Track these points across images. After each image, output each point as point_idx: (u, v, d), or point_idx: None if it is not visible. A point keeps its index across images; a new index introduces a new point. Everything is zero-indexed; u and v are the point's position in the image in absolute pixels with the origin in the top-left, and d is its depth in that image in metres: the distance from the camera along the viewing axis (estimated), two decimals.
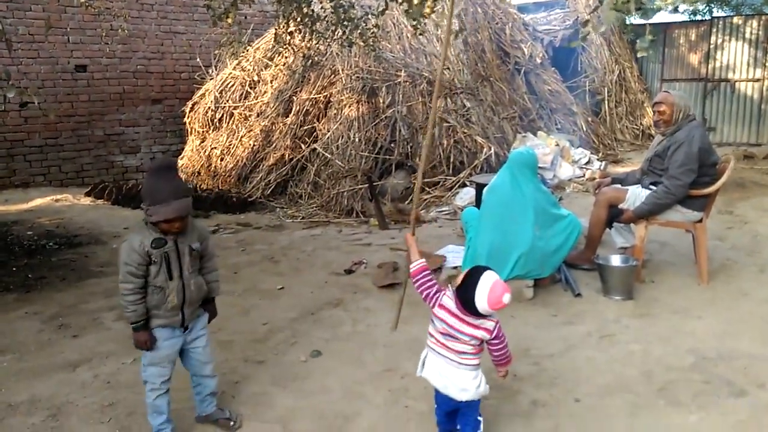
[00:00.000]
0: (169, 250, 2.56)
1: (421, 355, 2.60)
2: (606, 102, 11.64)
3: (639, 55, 11.49)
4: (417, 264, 2.64)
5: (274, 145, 8.94)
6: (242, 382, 3.30)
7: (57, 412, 3.03)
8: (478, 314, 2.40)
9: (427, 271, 2.61)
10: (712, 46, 11.47)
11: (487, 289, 2.36)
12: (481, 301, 2.36)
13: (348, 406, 3.05)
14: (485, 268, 2.43)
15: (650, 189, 4.58)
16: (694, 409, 2.94)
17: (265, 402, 3.10)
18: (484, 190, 4.77)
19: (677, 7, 10.54)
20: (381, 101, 8.42)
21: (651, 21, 11.61)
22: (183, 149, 10.37)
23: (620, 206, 4.67)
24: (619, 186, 4.86)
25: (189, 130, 10.28)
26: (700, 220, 4.55)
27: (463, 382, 2.45)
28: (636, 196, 4.63)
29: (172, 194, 2.49)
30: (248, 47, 9.99)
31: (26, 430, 2.87)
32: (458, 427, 2.58)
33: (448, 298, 2.49)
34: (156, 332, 2.63)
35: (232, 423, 2.87)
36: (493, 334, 2.43)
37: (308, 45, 8.62)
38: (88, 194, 8.98)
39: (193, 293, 2.67)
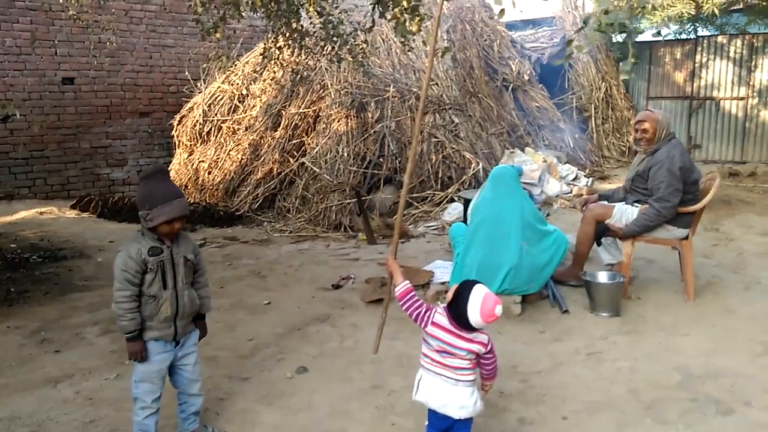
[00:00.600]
0: (165, 259, 2.58)
1: (415, 378, 2.55)
2: (593, 119, 11.74)
3: (621, 78, 11.65)
4: (402, 286, 2.61)
5: (262, 158, 8.93)
6: (227, 399, 3.26)
7: (37, 429, 2.97)
8: (471, 328, 2.39)
9: (413, 293, 2.59)
10: (697, 65, 11.63)
11: (479, 302, 2.35)
12: (474, 314, 2.35)
13: (334, 424, 3.01)
14: (474, 282, 2.43)
15: (636, 206, 4.61)
16: (681, 427, 2.93)
17: (250, 419, 3.06)
18: (469, 207, 4.78)
19: (659, 32, 10.66)
20: (370, 116, 8.44)
21: (637, 40, 11.76)
22: (170, 162, 10.32)
23: (607, 222, 4.69)
24: (605, 202, 4.89)
25: (177, 143, 10.25)
26: (686, 237, 4.58)
27: (462, 400, 2.42)
28: (622, 212, 4.65)
29: (171, 194, 2.56)
30: (237, 61, 10.00)
31: None
32: None
33: (441, 315, 2.47)
34: (149, 345, 2.61)
35: None
36: (488, 348, 2.44)
37: (297, 60, 8.64)
38: (73, 207, 8.91)
39: (186, 305, 2.67)
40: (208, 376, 3.43)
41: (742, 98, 11.20)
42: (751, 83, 11.09)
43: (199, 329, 2.86)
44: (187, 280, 2.68)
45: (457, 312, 2.39)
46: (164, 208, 2.51)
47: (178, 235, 2.66)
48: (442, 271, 5.05)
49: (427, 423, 2.57)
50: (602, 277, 4.48)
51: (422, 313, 2.50)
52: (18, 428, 2.98)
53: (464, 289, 2.41)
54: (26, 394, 3.32)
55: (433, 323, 2.46)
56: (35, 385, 3.42)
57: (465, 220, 5.54)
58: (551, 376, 3.48)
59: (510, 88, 10.73)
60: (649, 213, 4.45)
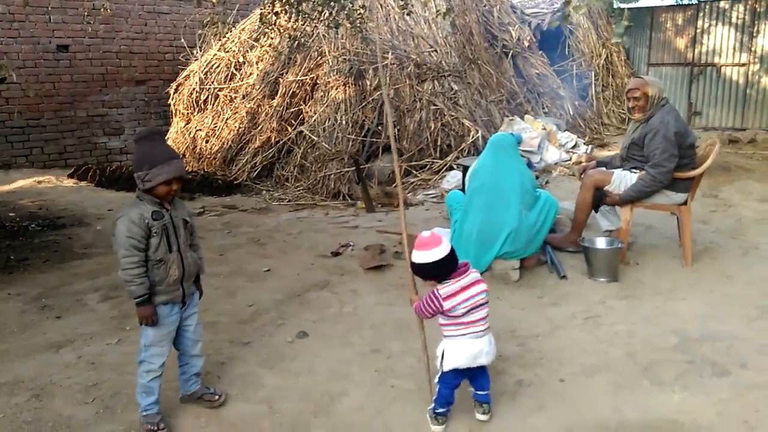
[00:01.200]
0: (167, 222, 2.59)
1: (435, 353, 2.67)
2: (593, 86, 11.65)
3: (614, 40, 11.48)
4: (416, 301, 2.73)
5: (259, 127, 8.87)
6: (228, 363, 3.29)
7: (40, 392, 3.00)
8: (451, 270, 2.57)
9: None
10: (698, 31, 11.49)
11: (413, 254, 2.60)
12: (414, 257, 2.59)
13: (335, 386, 3.05)
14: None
15: (634, 172, 4.60)
16: (677, 388, 2.97)
17: (251, 382, 3.09)
18: (467, 173, 4.78)
19: None
20: (368, 84, 8.36)
21: (638, 5, 11.61)
22: (168, 131, 10.25)
23: (606, 188, 4.69)
24: (604, 169, 4.87)
25: (174, 111, 10.17)
26: (685, 203, 4.58)
27: (488, 345, 2.63)
28: (621, 178, 4.64)
29: (169, 155, 2.57)
30: (233, 28, 9.88)
31: (9, 410, 2.84)
32: (475, 390, 2.71)
33: (444, 287, 2.56)
34: (158, 309, 2.63)
35: (216, 397, 2.87)
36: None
37: (294, 26, 8.53)
38: (71, 176, 8.88)
39: (191, 266, 2.71)
40: (209, 340, 3.46)
41: (744, 64, 11.10)
42: (752, 49, 10.98)
43: (198, 290, 2.89)
44: (187, 242, 2.71)
45: (419, 271, 2.61)
46: (162, 168, 2.51)
47: (174, 198, 2.66)
48: None
49: (439, 387, 2.66)
50: (600, 242, 4.49)
51: (432, 304, 2.59)
52: (21, 392, 3.01)
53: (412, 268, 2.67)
54: (28, 359, 3.35)
55: (444, 298, 2.55)
56: (37, 350, 3.45)
57: (464, 188, 5.53)
58: (549, 340, 3.51)
59: (510, 54, 10.61)
60: (645, 179, 4.44)
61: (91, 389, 3.03)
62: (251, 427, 2.74)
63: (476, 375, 2.68)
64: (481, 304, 2.59)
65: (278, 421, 2.78)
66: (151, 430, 2.63)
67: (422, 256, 2.56)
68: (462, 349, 2.59)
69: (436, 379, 2.68)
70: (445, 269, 2.56)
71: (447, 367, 2.60)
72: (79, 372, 3.20)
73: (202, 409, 2.85)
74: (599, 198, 4.71)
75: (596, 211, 4.86)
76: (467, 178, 4.71)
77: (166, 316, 2.65)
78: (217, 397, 2.87)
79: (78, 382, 3.10)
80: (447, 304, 2.55)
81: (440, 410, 2.67)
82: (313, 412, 2.84)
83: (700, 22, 11.46)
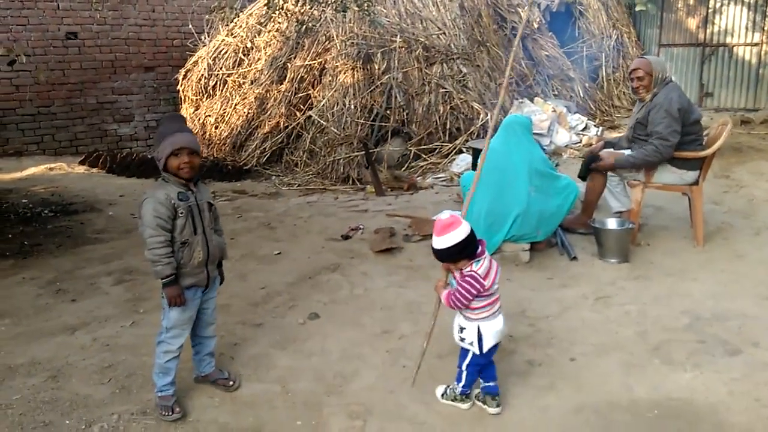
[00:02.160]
0: (192, 204, 2.61)
1: (464, 336, 2.61)
2: (603, 68, 11.54)
3: (638, 9, 11.29)
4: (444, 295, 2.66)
5: (268, 112, 8.86)
6: (241, 344, 3.32)
7: (57, 373, 3.05)
8: (471, 251, 2.51)
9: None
10: (710, 10, 11.35)
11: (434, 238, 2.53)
12: (435, 243, 2.52)
13: (347, 366, 3.07)
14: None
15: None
16: (688, 367, 2.97)
17: (264, 363, 3.12)
18: (480, 155, 4.75)
19: None
20: (376, 67, 8.33)
21: None
22: None
23: (600, 153, 4.66)
24: (612, 150, 4.85)
25: (182, 98, 10.18)
26: (696, 183, 4.55)
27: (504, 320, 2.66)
28: None
29: (176, 129, 2.61)
30: (241, 13, 9.85)
31: (27, 391, 2.89)
32: (485, 381, 2.71)
33: (480, 267, 2.51)
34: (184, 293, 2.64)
35: (231, 383, 2.89)
36: None
37: (302, 10, 8.50)
38: (82, 163, 8.92)
39: (215, 249, 2.73)
40: (222, 322, 3.48)
41: (756, 44, 10.96)
42: (765, 29, 10.83)
43: (220, 275, 2.90)
44: (212, 225, 2.73)
45: (455, 255, 2.51)
46: (167, 140, 2.54)
47: (198, 181, 2.68)
48: None
49: (468, 371, 2.64)
50: (611, 223, 4.48)
51: (473, 287, 2.49)
52: (38, 373, 3.06)
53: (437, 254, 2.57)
54: (45, 341, 3.40)
55: (484, 277, 2.50)
56: (53, 333, 3.50)
57: (474, 168, 5.52)
58: (559, 321, 3.52)
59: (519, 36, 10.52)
60: (647, 148, 4.42)
61: (106, 370, 3.07)
62: (264, 406, 2.77)
63: (488, 362, 2.67)
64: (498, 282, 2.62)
65: (291, 400, 2.81)
66: (166, 409, 2.67)
67: (447, 239, 2.47)
68: (495, 327, 2.58)
69: (464, 366, 2.63)
70: (471, 247, 2.49)
71: (488, 346, 2.57)
72: (94, 353, 3.24)
73: (216, 389, 2.88)
74: (590, 161, 4.69)
75: (584, 180, 4.82)
76: (479, 159, 4.69)
77: (190, 300, 2.67)
78: (231, 382, 2.90)
79: (93, 363, 3.14)
80: (486, 283, 2.50)
81: (467, 390, 2.69)
82: (326, 391, 2.87)
83: (711, 2, 11.31)
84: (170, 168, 2.58)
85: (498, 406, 2.68)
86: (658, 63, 4.50)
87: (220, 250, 2.79)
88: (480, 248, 2.53)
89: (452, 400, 2.71)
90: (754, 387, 2.78)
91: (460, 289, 2.52)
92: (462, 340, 2.62)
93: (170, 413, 2.66)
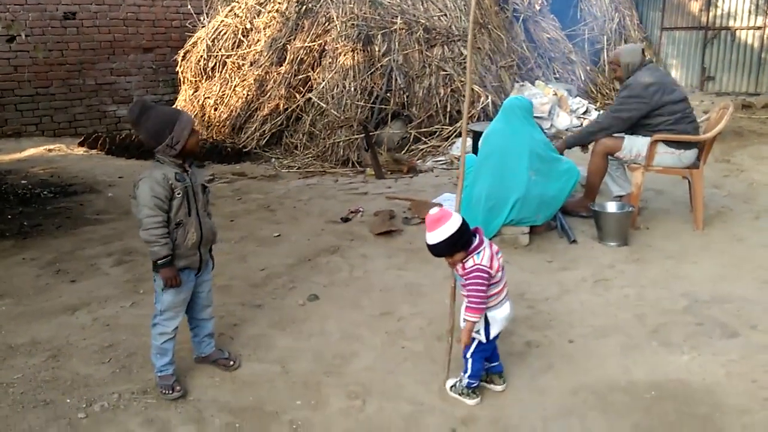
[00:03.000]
0: (188, 185, 2.61)
1: (496, 327, 2.58)
2: (605, 51, 11.45)
3: None
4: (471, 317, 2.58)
5: (268, 94, 8.81)
6: (241, 325, 3.33)
7: (57, 353, 3.06)
8: (465, 243, 2.47)
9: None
10: None
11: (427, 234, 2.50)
12: (427, 239, 2.49)
13: (346, 347, 3.09)
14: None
15: (646, 136, 4.55)
16: (686, 349, 2.99)
17: (264, 343, 3.14)
18: (480, 138, 4.75)
19: None
20: (376, 49, 8.27)
21: None
22: (176, 99, 10.22)
23: (617, 154, 4.67)
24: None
25: (182, 79, 10.12)
26: (697, 165, 4.55)
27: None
28: (632, 144, 4.60)
29: (176, 110, 2.65)
30: None
31: (27, 370, 2.91)
32: (490, 362, 2.72)
33: (481, 258, 2.47)
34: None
35: (231, 363, 2.91)
36: None
37: None
38: (81, 144, 8.90)
39: (208, 232, 2.73)
40: (221, 303, 3.50)
41: (759, 28, 10.87)
42: None
43: (211, 259, 2.90)
44: (205, 207, 2.72)
45: (434, 250, 2.49)
46: (182, 121, 2.54)
47: (192, 164, 2.67)
48: (450, 204, 5.05)
49: (473, 361, 2.60)
50: (610, 206, 4.48)
51: (483, 279, 2.45)
52: (39, 353, 3.07)
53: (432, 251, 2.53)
54: (45, 321, 3.41)
55: (489, 266, 2.47)
56: (53, 313, 3.51)
57: (474, 152, 5.51)
58: (558, 303, 3.53)
59: (521, 18, 10.44)
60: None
61: (107, 350, 3.09)
62: (264, 385, 2.78)
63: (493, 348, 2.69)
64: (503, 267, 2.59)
65: (291, 380, 2.83)
66: (166, 388, 2.69)
67: (439, 234, 2.43)
68: (502, 313, 2.57)
69: (469, 354, 2.60)
70: (464, 238, 2.45)
71: (494, 333, 2.58)
72: (94, 333, 3.26)
73: (217, 369, 2.90)
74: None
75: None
76: (480, 142, 4.68)
77: (184, 282, 2.66)
78: (232, 362, 2.91)
79: (94, 343, 3.16)
80: (492, 271, 2.48)
81: (474, 384, 2.64)
82: (325, 372, 2.89)
83: None
84: (189, 147, 2.58)
85: (504, 383, 2.72)
86: (628, 52, 4.62)
87: (212, 233, 2.78)
88: (477, 238, 2.50)
89: (459, 395, 2.66)
90: (751, 369, 2.80)
91: (470, 288, 2.48)
92: None
93: (171, 392, 2.68)
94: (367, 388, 2.75)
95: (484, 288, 2.46)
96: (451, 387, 2.70)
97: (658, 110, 4.45)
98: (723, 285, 3.66)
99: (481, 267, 2.45)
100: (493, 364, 2.72)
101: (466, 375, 2.63)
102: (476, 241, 2.49)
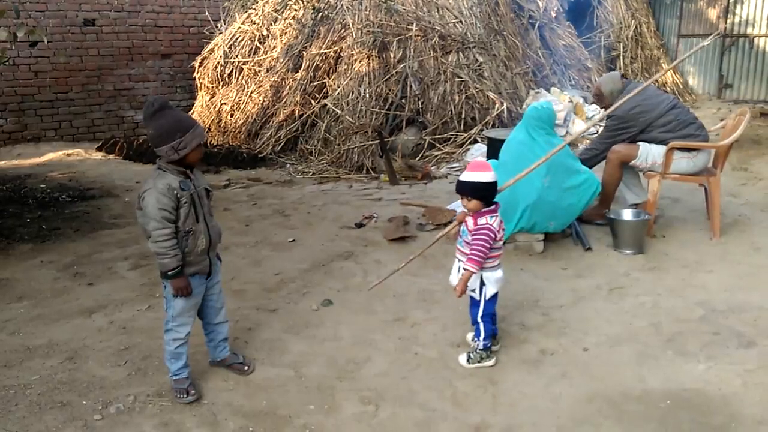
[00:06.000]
0: (193, 192, 2.59)
1: (491, 287, 2.88)
2: (621, 58, 11.40)
3: None
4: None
5: (284, 101, 8.87)
6: (255, 329, 3.35)
7: (74, 355, 3.10)
8: (491, 196, 2.86)
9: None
10: (731, 0, 11.17)
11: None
12: (470, 176, 2.83)
13: (359, 352, 3.10)
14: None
15: (662, 145, 4.53)
16: (702, 358, 2.96)
17: (277, 348, 3.15)
18: (503, 146, 4.72)
19: None
20: (392, 56, 8.30)
21: None
22: (193, 105, 10.32)
23: (632, 163, 4.65)
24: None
25: (199, 85, 10.22)
26: (713, 172, 4.51)
27: None
28: (648, 151, 4.58)
29: (193, 120, 2.62)
30: (257, 1, 9.85)
31: (44, 372, 2.94)
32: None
33: (494, 220, 2.82)
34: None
35: (246, 368, 2.92)
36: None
37: None
38: (99, 149, 9.01)
39: (216, 235, 2.73)
40: (236, 307, 3.53)
41: None
42: None
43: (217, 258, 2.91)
44: (210, 211, 2.73)
45: (479, 192, 2.82)
46: (196, 130, 2.53)
47: (193, 168, 2.66)
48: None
49: (484, 322, 2.89)
50: (626, 214, 4.46)
51: (489, 237, 2.78)
52: (56, 354, 3.11)
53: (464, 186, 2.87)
54: (62, 323, 3.45)
55: (498, 230, 2.83)
56: (71, 315, 3.55)
57: (488, 159, 5.49)
58: (573, 311, 3.52)
59: (536, 25, 10.43)
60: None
61: (123, 352, 3.12)
62: (278, 390, 2.80)
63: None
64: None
65: (304, 384, 2.84)
66: (181, 392, 2.71)
67: (475, 176, 2.79)
68: (496, 275, 2.88)
69: (479, 317, 2.87)
70: (489, 193, 2.81)
71: (490, 294, 2.87)
72: (111, 336, 3.29)
73: (231, 373, 2.91)
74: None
75: None
76: (501, 150, 4.66)
77: (195, 287, 2.68)
78: (246, 367, 2.93)
79: (110, 345, 3.19)
80: (498, 235, 2.81)
81: (489, 343, 2.92)
82: (338, 376, 2.90)
83: None
84: (191, 158, 2.56)
85: (498, 343, 3.05)
86: (607, 81, 4.75)
87: (219, 235, 2.78)
88: (495, 205, 2.83)
89: (478, 362, 2.91)
90: None
91: (476, 242, 2.77)
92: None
93: (185, 395, 2.70)
94: (380, 393, 2.76)
95: (487, 246, 2.78)
96: (468, 360, 2.92)
97: (649, 126, 4.53)
98: (739, 294, 3.63)
99: (491, 227, 2.79)
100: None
101: (481, 338, 2.90)
102: (494, 206, 2.83)
